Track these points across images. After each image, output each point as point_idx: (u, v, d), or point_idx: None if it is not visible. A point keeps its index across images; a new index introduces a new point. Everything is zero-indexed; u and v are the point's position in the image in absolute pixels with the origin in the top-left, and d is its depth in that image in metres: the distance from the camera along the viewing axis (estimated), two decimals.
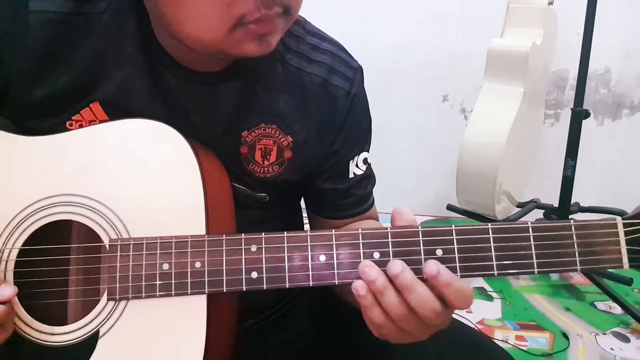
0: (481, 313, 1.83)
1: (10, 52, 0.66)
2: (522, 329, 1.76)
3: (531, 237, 0.58)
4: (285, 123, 0.74)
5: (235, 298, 0.69)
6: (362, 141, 0.81)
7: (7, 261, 0.63)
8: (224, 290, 0.61)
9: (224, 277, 0.61)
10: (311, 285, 0.60)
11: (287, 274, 0.60)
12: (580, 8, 1.87)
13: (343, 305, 0.79)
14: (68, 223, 0.64)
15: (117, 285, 0.62)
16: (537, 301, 1.93)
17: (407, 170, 2.57)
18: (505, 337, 1.72)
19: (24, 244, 0.64)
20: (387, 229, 0.60)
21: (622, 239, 0.58)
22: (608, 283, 1.86)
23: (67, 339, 0.63)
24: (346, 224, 0.82)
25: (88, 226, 0.63)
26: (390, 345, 0.61)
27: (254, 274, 0.60)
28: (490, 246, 0.58)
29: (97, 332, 0.62)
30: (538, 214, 2.20)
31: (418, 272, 0.57)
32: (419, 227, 0.59)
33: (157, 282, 0.61)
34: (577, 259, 0.58)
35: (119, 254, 0.62)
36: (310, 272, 0.60)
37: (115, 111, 0.69)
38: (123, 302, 0.62)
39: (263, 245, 0.61)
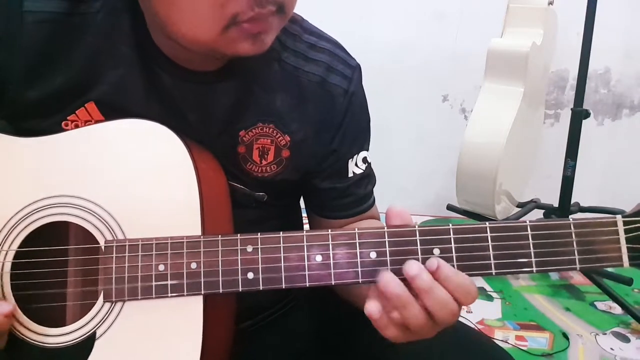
0: (481, 313, 1.83)
1: (5, 52, 0.65)
2: (522, 329, 1.76)
3: (529, 236, 0.58)
4: (282, 122, 0.74)
5: (232, 299, 0.69)
6: (361, 140, 0.80)
7: (3, 263, 0.63)
8: (220, 291, 0.60)
9: (220, 278, 0.60)
10: (308, 285, 0.60)
11: (283, 274, 0.60)
12: (580, 8, 1.87)
13: (343, 305, 0.79)
14: (64, 224, 0.64)
15: (113, 286, 0.61)
16: (537, 301, 1.93)
17: (407, 170, 2.57)
18: (505, 337, 1.71)
19: (21, 246, 0.63)
20: (383, 228, 0.59)
21: (622, 237, 0.57)
22: (608, 283, 1.85)
23: (63, 341, 0.62)
24: (346, 223, 0.81)
25: (84, 227, 0.63)
26: (391, 345, 0.61)
27: (250, 275, 0.60)
28: (488, 245, 0.58)
29: (94, 333, 0.62)
30: (538, 214, 2.19)
31: None
32: (416, 226, 0.59)
33: (153, 283, 0.61)
34: (577, 257, 0.58)
35: (114, 255, 0.62)
36: (307, 273, 0.60)
37: (111, 111, 0.68)
38: (119, 304, 0.62)
39: (259, 246, 0.60)
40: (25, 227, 0.64)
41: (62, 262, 0.64)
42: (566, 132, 1.97)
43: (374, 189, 0.85)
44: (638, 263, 0.57)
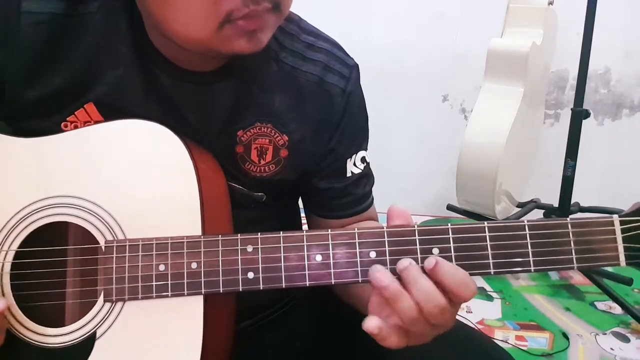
0: (481, 313, 1.83)
1: (4, 52, 0.66)
2: (522, 329, 1.76)
3: (527, 235, 0.58)
4: (280, 122, 0.74)
5: (232, 298, 0.69)
6: (359, 139, 0.81)
7: (3, 263, 0.63)
8: (221, 291, 0.60)
9: (220, 278, 0.60)
10: (308, 285, 0.60)
11: (283, 274, 0.60)
12: (580, 8, 1.87)
13: (343, 305, 0.79)
14: (64, 225, 0.64)
15: (114, 286, 0.62)
16: (537, 301, 1.93)
17: (407, 171, 2.57)
18: (505, 337, 1.71)
19: (21, 246, 0.64)
20: (383, 228, 0.60)
21: (619, 236, 0.57)
22: (608, 283, 1.86)
23: (64, 341, 0.63)
24: (344, 223, 0.81)
25: (84, 228, 0.63)
26: None
27: (251, 274, 0.60)
28: (487, 244, 0.58)
29: (94, 333, 0.62)
30: (538, 214, 2.19)
31: None
32: (416, 225, 0.59)
33: (154, 283, 0.61)
34: (574, 257, 0.58)
35: (114, 255, 0.62)
36: (307, 272, 0.60)
37: (110, 112, 0.68)
38: (120, 304, 0.62)
39: (259, 246, 0.60)
40: (25, 227, 0.64)
41: (62, 262, 0.64)
42: (566, 132, 1.97)
43: (374, 189, 0.85)
44: (635, 262, 0.57)
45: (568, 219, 0.58)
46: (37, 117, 0.68)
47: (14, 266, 0.63)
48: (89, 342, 0.62)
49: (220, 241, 0.61)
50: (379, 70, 2.35)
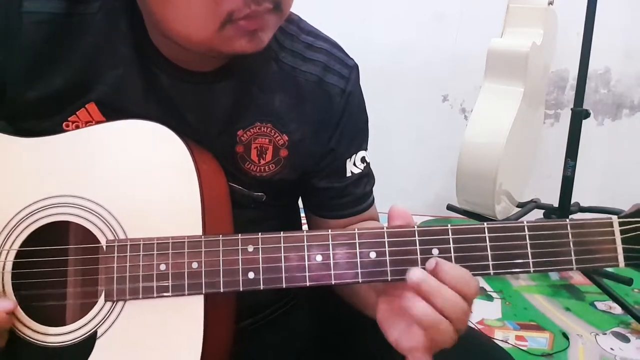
0: (481, 313, 1.83)
1: (4, 52, 0.66)
2: (522, 329, 1.76)
3: (527, 236, 0.58)
4: (280, 122, 0.74)
5: (232, 298, 0.69)
6: (359, 139, 0.81)
7: (4, 262, 0.64)
8: (221, 291, 0.61)
9: (221, 278, 0.61)
10: (308, 285, 0.60)
11: (283, 274, 0.60)
12: (580, 8, 1.87)
13: (343, 305, 0.79)
14: (65, 224, 0.64)
15: (115, 286, 0.62)
16: (537, 301, 1.93)
17: (407, 171, 2.57)
18: (505, 337, 1.72)
19: (22, 245, 0.64)
20: (383, 228, 0.60)
21: (618, 237, 0.58)
22: (608, 283, 1.86)
23: (64, 340, 0.63)
24: (345, 223, 0.82)
25: (85, 227, 0.63)
26: (391, 345, 0.61)
27: (251, 274, 0.60)
28: (486, 245, 0.58)
29: (95, 332, 0.62)
30: (538, 214, 2.19)
31: None
32: (415, 226, 0.59)
33: (154, 283, 0.61)
34: (573, 257, 0.58)
35: (116, 254, 0.62)
36: (307, 272, 0.60)
37: (111, 112, 0.69)
38: (120, 303, 0.62)
39: (260, 246, 0.61)
40: (27, 227, 0.64)
41: (63, 262, 0.64)
42: (566, 132, 1.97)
43: (374, 189, 0.85)
44: (634, 263, 0.57)
45: (567, 220, 0.58)
46: (37, 118, 0.69)
47: (15, 265, 0.64)
48: (90, 341, 0.62)
49: (221, 241, 0.61)
50: (379, 70, 2.35)
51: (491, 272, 0.58)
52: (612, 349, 1.67)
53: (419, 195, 2.60)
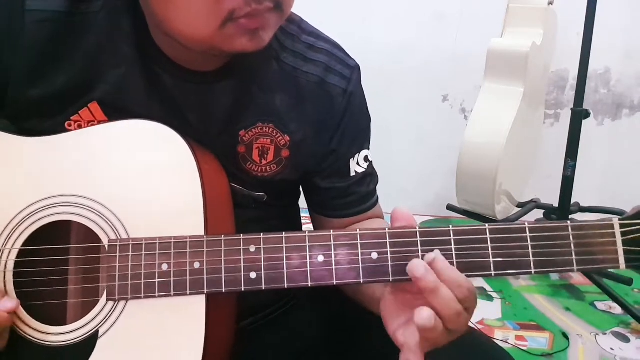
0: (481, 313, 1.83)
1: (7, 51, 0.66)
2: (522, 329, 1.76)
3: (528, 238, 0.58)
4: (282, 122, 0.74)
5: (234, 298, 0.69)
6: (361, 139, 0.81)
7: (6, 262, 0.64)
8: (223, 291, 0.61)
9: (223, 278, 0.61)
10: (310, 285, 0.60)
11: (285, 274, 0.60)
12: (580, 8, 1.87)
13: (345, 304, 0.79)
14: (67, 224, 0.64)
15: (117, 285, 0.62)
16: (537, 301, 1.93)
17: (407, 171, 2.57)
18: (505, 337, 1.72)
19: (24, 245, 0.64)
20: (385, 229, 0.60)
21: (619, 239, 0.58)
22: (608, 283, 1.86)
23: (66, 339, 0.63)
24: (349, 222, 0.82)
25: (87, 227, 0.63)
26: (392, 344, 0.61)
27: (253, 274, 0.60)
28: (488, 247, 0.59)
29: (97, 332, 0.62)
30: (538, 214, 2.20)
31: None
32: (417, 227, 0.60)
33: (156, 282, 0.61)
34: (574, 259, 0.58)
35: (118, 254, 0.62)
36: (309, 273, 0.60)
37: (113, 111, 0.69)
38: (122, 302, 0.62)
39: (262, 246, 0.61)
40: (29, 226, 0.64)
41: (65, 261, 0.64)
42: (566, 132, 1.97)
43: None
44: (634, 265, 0.57)
45: (568, 221, 0.59)
46: (40, 117, 0.69)
47: (17, 264, 0.64)
48: (91, 340, 0.62)
49: (223, 241, 0.61)
50: (379, 70, 2.35)
51: (492, 273, 0.58)
52: (612, 349, 1.67)
53: (418, 195, 2.60)
